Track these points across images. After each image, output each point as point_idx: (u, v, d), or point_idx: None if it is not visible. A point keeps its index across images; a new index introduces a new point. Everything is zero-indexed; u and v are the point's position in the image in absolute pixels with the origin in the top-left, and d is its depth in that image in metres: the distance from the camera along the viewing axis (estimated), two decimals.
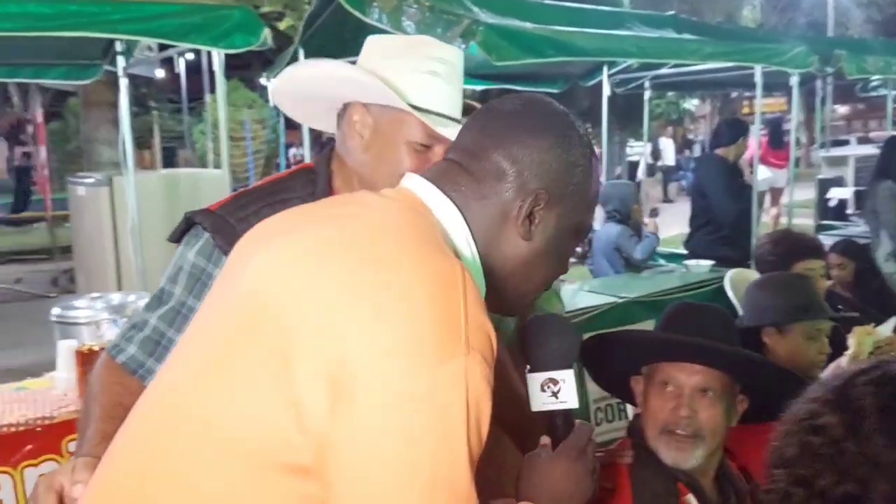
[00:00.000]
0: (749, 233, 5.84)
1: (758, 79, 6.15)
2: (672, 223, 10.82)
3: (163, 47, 6.11)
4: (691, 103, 23.62)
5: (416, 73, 1.50)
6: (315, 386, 0.87)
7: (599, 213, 5.77)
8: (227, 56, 4.26)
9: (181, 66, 16.10)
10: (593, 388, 2.54)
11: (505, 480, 1.32)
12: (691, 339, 1.86)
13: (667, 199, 18.33)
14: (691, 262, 5.44)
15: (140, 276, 5.15)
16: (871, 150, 10.80)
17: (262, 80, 19.63)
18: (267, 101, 19.39)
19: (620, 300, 4.65)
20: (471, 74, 6.26)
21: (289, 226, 1.11)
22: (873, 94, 9.91)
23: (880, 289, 4.77)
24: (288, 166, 16.13)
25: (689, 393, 1.83)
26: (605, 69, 6.81)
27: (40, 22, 3.56)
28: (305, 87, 1.60)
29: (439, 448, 0.88)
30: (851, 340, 2.73)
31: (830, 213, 9.46)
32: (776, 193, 11.63)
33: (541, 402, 1.27)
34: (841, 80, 8.32)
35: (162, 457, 0.96)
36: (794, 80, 6.47)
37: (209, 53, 15.61)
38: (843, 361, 2.79)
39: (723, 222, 5.53)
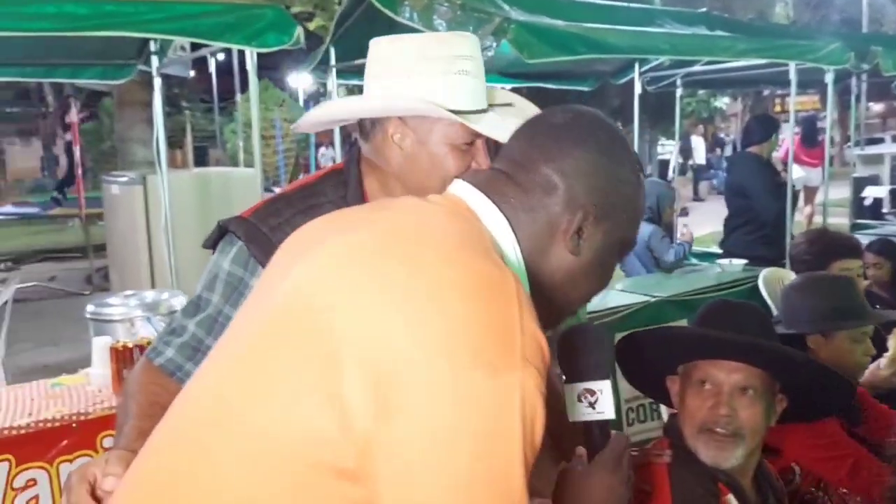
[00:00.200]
0: (784, 232, 5.76)
1: (792, 76, 6.07)
2: (703, 222, 10.74)
3: (195, 47, 6.12)
4: (722, 101, 23.39)
5: (449, 77, 1.49)
6: (363, 392, 0.86)
7: None
8: (258, 56, 4.27)
9: (213, 67, 16.26)
10: (625, 388, 2.51)
11: (542, 488, 1.31)
12: (732, 336, 1.84)
13: (697, 198, 18.19)
14: (724, 261, 5.38)
15: (173, 273, 5.18)
16: None
17: (290, 82, 19.85)
18: (296, 99, 19.56)
19: (653, 299, 4.61)
20: (501, 73, 6.26)
21: (334, 228, 1.10)
22: None
23: None
24: (317, 165, 16.22)
25: (729, 391, 1.80)
26: (636, 67, 6.75)
27: (77, 22, 3.58)
28: (336, 118, 1.62)
29: (494, 462, 0.86)
30: (891, 342, 2.69)
31: (866, 211, 9.33)
32: (810, 192, 11.49)
33: (578, 412, 1.27)
34: (876, 78, 8.19)
35: (199, 456, 0.95)
36: (829, 77, 6.38)
37: (240, 54, 15.75)
38: (882, 363, 2.75)
39: (765, 221, 5.47)
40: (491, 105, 1.58)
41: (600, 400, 1.26)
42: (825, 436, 2.29)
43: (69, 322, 8.00)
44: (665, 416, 2.66)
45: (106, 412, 3.00)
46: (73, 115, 11.40)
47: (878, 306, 3.52)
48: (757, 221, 5.48)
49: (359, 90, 1.64)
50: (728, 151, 21.75)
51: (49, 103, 19.26)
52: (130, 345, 3.19)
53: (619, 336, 1.95)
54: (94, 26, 3.63)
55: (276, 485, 0.89)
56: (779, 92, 24.91)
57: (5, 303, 5.36)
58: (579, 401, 1.27)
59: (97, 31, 3.71)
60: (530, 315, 0.92)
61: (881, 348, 2.61)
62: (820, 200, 10.57)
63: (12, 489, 2.82)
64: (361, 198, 1.60)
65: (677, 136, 9.13)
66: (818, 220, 9.74)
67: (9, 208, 17.25)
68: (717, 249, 6.22)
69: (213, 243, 1.65)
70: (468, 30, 4.17)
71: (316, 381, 0.88)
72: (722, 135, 25.19)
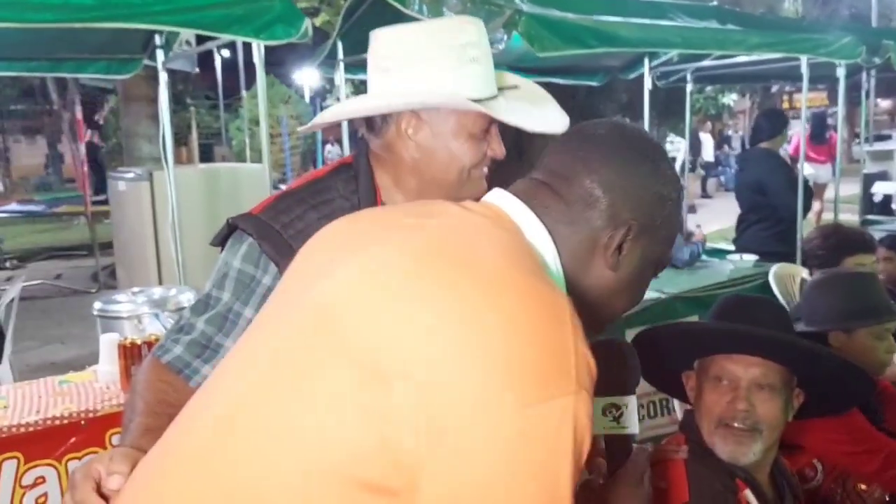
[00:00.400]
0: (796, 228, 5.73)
1: (804, 70, 6.02)
2: (712, 219, 10.73)
3: (200, 41, 6.11)
4: (730, 98, 23.34)
5: (461, 65, 1.48)
6: (411, 411, 0.83)
7: None
8: (263, 52, 4.25)
9: (218, 63, 16.28)
10: None
11: None
12: (750, 330, 1.80)
13: (705, 195, 18.15)
14: (735, 257, 5.35)
15: (180, 270, 5.16)
16: None
17: (296, 78, 19.88)
18: (302, 96, 19.57)
19: (663, 296, 4.57)
20: (511, 67, 6.22)
21: (368, 234, 1.06)
22: None
23: None
24: (324, 162, 16.23)
25: (746, 386, 1.78)
26: (646, 61, 6.71)
27: (82, 13, 3.54)
28: (350, 116, 1.61)
29: (543, 488, 0.84)
30: None
31: (875, 208, 9.29)
32: (818, 189, 11.44)
33: (601, 425, 1.27)
34: (885, 73, 8.15)
35: (224, 462, 0.91)
36: (840, 72, 6.34)
37: (245, 50, 15.76)
38: None
39: (782, 217, 5.46)
40: (499, 89, 1.56)
41: (625, 415, 1.27)
42: (854, 429, 2.26)
43: (76, 320, 8.04)
44: (678, 412, 2.63)
45: (114, 409, 2.99)
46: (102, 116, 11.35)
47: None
48: (774, 217, 5.45)
49: (366, 85, 1.61)
50: (736, 148, 21.71)
51: (53, 101, 19.23)
52: (139, 341, 3.18)
53: (630, 332, 1.92)
54: (100, 17, 3.59)
55: (304, 496, 0.86)
56: (787, 88, 24.93)
57: (12, 300, 5.35)
58: (604, 414, 1.27)
59: (103, 22, 3.67)
60: (582, 336, 0.89)
61: None
62: (829, 197, 10.56)
63: (21, 487, 2.81)
64: (373, 193, 1.58)
65: (687, 133, 9.07)
66: (827, 216, 9.71)
67: (14, 206, 17.26)
68: (726, 246, 6.18)
69: (221, 241, 1.63)
70: None
71: (358, 399, 0.85)
72: (730, 132, 25.14)
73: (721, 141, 22.99)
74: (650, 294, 4.52)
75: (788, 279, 4.95)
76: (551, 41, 4.26)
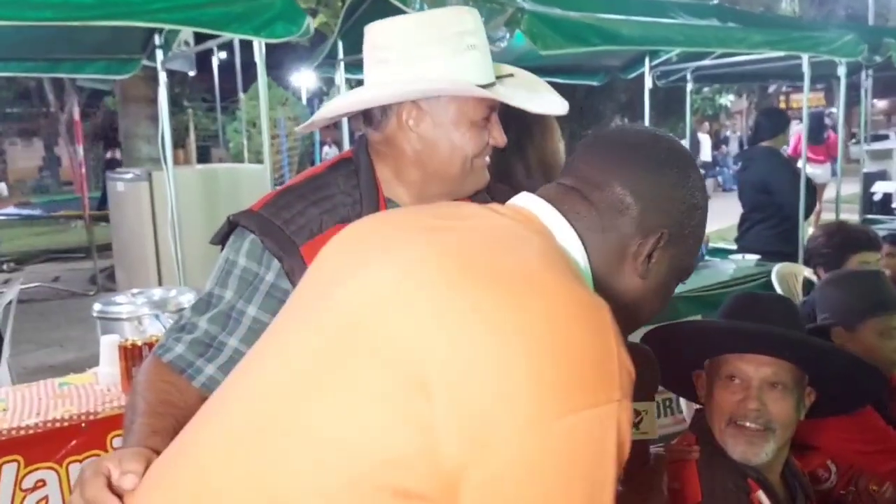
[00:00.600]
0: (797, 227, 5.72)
1: (805, 69, 6.01)
2: (711, 219, 10.59)
3: (199, 41, 6.08)
4: (727, 99, 23.39)
5: (460, 53, 1.47)
6: (452, 418, 0.80)
7: None
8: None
9: (215, 65, 16.23)
10: None
11: None
12: (763, 329, 1.78)
13: None
14: (737, 257, 5.33)
15: (180, 270, 5.14)
16: None
17: (293, 80, 19.86)
18: (299, 98, 19.55)
19: None
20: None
21: (397, 234, 1.04)
22: None
23: None
24: None
25: (758, 385, 1.76)
26: (647, 61, 6.69)
27: (81, 11, 3.51)
28: (348, 110, 1.58)
29: (587, 494, 0.83)
30: None
31: (875, 207, 9.29)
32: (818, 189, 11.44)
33: None
34: (881, 73, 8.16)
35: (248, 468, 0.89)
36: (841, 71, 6.33)
37: (243, 52, 15.73)
38: None
39: (787, 216, 5.44)
40: (496, 77, 1.56)
41: (644, 420, 1.28)
42: (870, 429, 2.23)
43: (74, 323, 8.01)
44: (685, 412, 2.60)
45: (115, 411, 2.96)
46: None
47: None
48: (778, 216, 5.42)
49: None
50: (733, 148, 21.73)
51: (50, 103, 19.26)
52: (139, 343, 3.16)
53: (637, 332, 1.89)
54: (100, 16, 3.56)
55: (335, 502, 0.84)
56: (784, 89, 24.98)
57: (9, 303, 5.32)
58: None
59: (102, 20, 3.63)
60: (623, 344, 0.87)
61: None
62: (827, 197, 10.55)
63: (21, 490, 2.78)
64: (374, 187, 1.56)
65: (688, 132, 9.05)
66: (826, 216, 9.71)
67: (11, 209, 17.22)
68: (726, 245, 6.16)
69: (221, 239, 1.60)
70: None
71: (395, 404, 0.83)
72: (728, 132, 25.18)
73: (718, 141, 23.02)
74: None
75: (791, 278, 4.93)
76: (554, 39, 4.26)
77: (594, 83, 7.78)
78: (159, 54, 5.20)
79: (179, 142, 13.80)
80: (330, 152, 17.13)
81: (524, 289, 0.86)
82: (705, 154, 19.46)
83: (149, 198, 6.50)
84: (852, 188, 9.73)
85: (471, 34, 1.48)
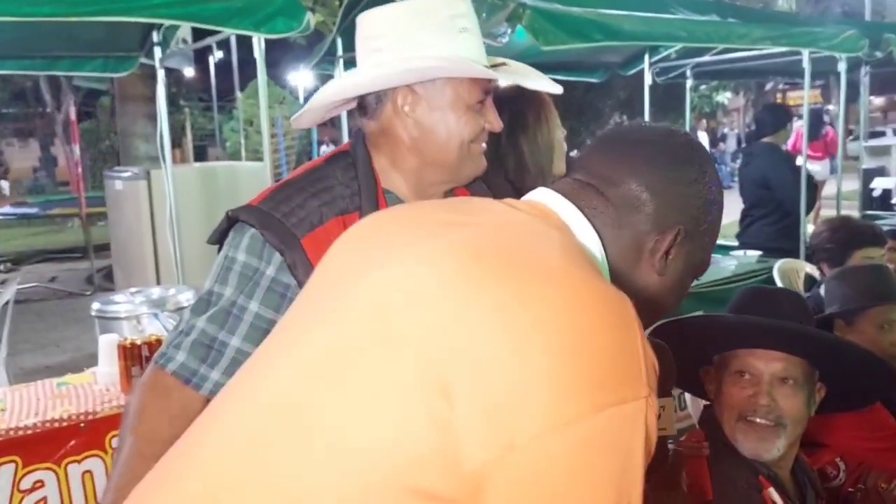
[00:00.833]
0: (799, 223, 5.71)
1: (805, 64, 6.01)
2: None
3: (197, 38, 6.05)
4: (724, 96, 23.44)
5: (453, 36, 1.47)
6: (476, 417, 0.78)
7: None
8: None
9: (212, 64, 16.25)
10: None
11: None
12: (775, 324, 1.76)
13: None
14: (738, 253, 5.33)
15: (179, 269, 5.11)
16: None
17: (290, 79, 19.85)
18: (297, 97, 19.53)
19: None
20: None
21: (411, 229, 1.01)
22: None
23: None
24: None
25: (768, 381, 1.73)
26: (646, 57, 6.67)
27: (79, 7, 3.48)
28: (345, 96, 1.56)
29: (616, 493, 0.80)
30: None
31: (875, 203, 9.27)
32: (818, 186, 11.46)
33: None
34: (879, 69, 8.16)
35: (260, 471, 0.86)
36: (841, 66, 6.33)
37: (240, 51, 15.71)
38: None
39: (789, 211, 5.45)
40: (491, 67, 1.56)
41: (662, 416, 1.27)
42: (879, 426, 2.22)
43: (71, 323, 8.00)
44: (690, 409, 2.58)
45: (114, 411, 2.94)
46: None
47: None
48: (779, 212, 5.44)
49: None
50: (731, 145, 21.77)
51: (46, 102, 19.21)
52: (138, 342, 3.13)
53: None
54: (98, 11, 3.53)
55: (353, 502, 0.81)
56: (781, 86, 25.01)
57: (6, 303, 5.30)
58: None
59: (101, 16, 3.60)
60: (646, 339, 0.85)
61: None
62: (825, 193, 10.55)
63: (19, 491, 2.76)
64: (372, 178, 1.54)
65: (687, 129, 9.02)
66: (825, 213, 9.71)
67: (7, 209, 17.19)
68: (726, 241, 6.16)
69: (220, 237, 1.57)
70: (481, 16, 4.10)
71: (414, 404, 0.80)
72: (726, 129, 25.23)
73: (716, 139, 23.07)
74: None
75: (793, 274, 4.93)
76: (556, 35, 4.24)
77: (594, 80, 7.78)
78: (157, 52, 5.16)
79: (176, 141, 13.82)
80: (327, 151, 17.09)
81: (547, 284, 0.84)
82: None
83: (147, 196, 6.47)
84: (851, 185, 9.72)
85: (462, 17, 1.48)
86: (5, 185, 23.91)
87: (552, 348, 0.79)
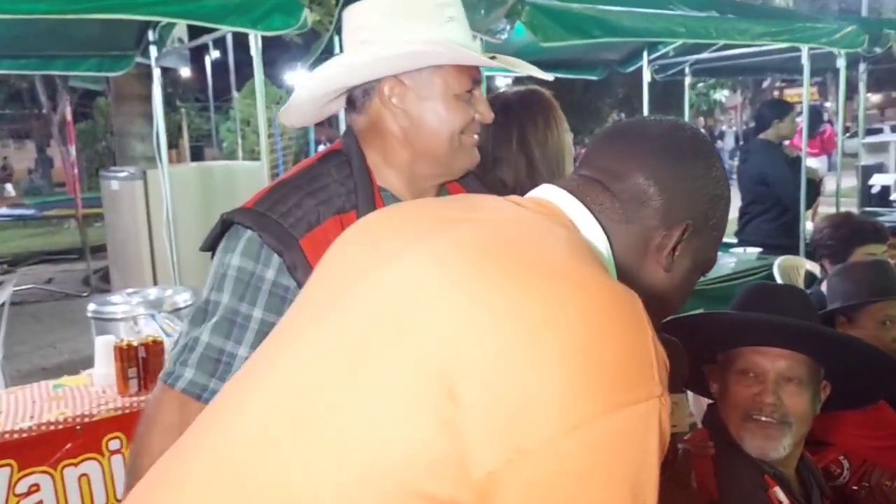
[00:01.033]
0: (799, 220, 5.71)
1: (805, 60, 6.00)
2: None
3: (193, 37, 6.03)
4: (721, 94, 23.47)
5: (440, 25, 1.45)
6: (484, 420, 0.75)
7: None
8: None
9: (208, 64, 16.23)
10: None
11: None
12: (781, 320, 1.73)
13: None
14: (738, 250, 5.31)
15: (175, 270, 5.09)
16: None
17: (287, 79, 19.86)
18: None
19: None
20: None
21: (414, 227, 0.98)
22: None
23: None
24: None
25: (774, 379, 1.71)
26: (645, 54, 6.65)
27: (76, 4, 3.45)
28: (327, 86, 1.52)
29: (630, 495, 0.78)
30: None
31: (874, 199, 9.27)
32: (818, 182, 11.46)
33: None
34: (876, 66, 8.16)
35: (262, 474, 0.83)
36: (840, 63, 6.31)
37: (236, 51, 15.70)
38: None
39: (787, 208, 5.44)
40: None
41: (674, 412, 1.24)
42: (884, 424, 2.20)
43: (67, 324, 7.98)
44: (693, 407, 2.56)
45: (111, 413, 2.94)
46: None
47: None
48: (778, 208, 5.42)
49: None
50: (729, 143, 21.81)
51: (42, 103, 19.20)
52: (135, 343, 3.13)
53: None
54: (95, 8, 3.50)
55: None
56: (778, 84, 25.04)
57: (2, 305, 5.28)
58: None
59: (97, 13, 3.59)
60: (655, 335, 0.83)
61: None
62: (825, 190, 10.55)
63: (15, 495, 2.75)
64: (367, 175, 1.52)
65: None
66: (823, 210, 9.71)
67: (4, 210, 17.18)
68: (725, 238, 6.14)
69: (214, 242, 1.53)
70: (480, 13, 4.09)
71: (420, 406, 0.78)
72: (724, 127, 25.27)
73: (713, 136, 23.11)
74: None
75: (793, 272, 4.92)
76: (555, 31, 4.23)
77: (592, 77, 7.76)
78: (153, 50, 5.16)
79: (172, 142, 13.81)
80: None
81: (555, 282, 0.82)
82: None
83: (143, 196, 6.44)
84: (848, 182, 9.73)
85: (449, 6, 1.47)
86: (9, 187, 23.93)
87: (564, 348, 0.76)
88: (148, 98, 5.51)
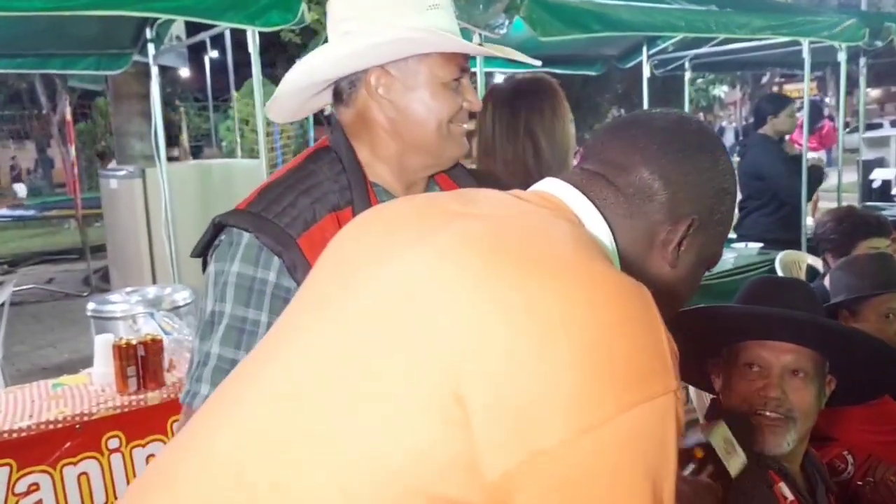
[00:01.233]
0: (800, 214, 5.68)
1: (805, 54, 5.98)
2: None
3: (191, 34, 6.00)
4: (721, 90, 23.45)
5: (423, 13, 1.44)
6: (495, 421, 0.74)
7: None
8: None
9: (207, 64, 16.23)
10: None
11: None
12: (788, 313, 1.70)
13: None
14: (740, 245, 5.30)
15: (175, 268, 5.07)
16: None
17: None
18: None
19: None
20: (507, 58, 6.15)
21: (416, 222, 0.96)
22: None
23: None
24: None
25: (779, 373, 1.69)
26: (644, 49, 6.63)
27: (72, 0, 3.43)
28: (312, 77, 1.50)
29: (651, 492, 0.77)
30: None
31: (875, 194, 9.25)
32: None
33: None
34: (877, 60, 8.13)
35: (262, 471, 0.82)
36: (841, 56, 6.29)
37: (234, 50, 15.67)
38: None
39: (785, 202, 5.43)
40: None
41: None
42: (889, 419, 2.19)
43: (67, 324, 7.97)
44: (695, 402, 2.54)
45: (110, 412, 2.93)
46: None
47: None
48: (775, 202, 5.41)
49: None
50: (729, 139, 21.80)
51: (42, 104, 19.18)
52: (134, 342, 3.11)
53: None
54: (92, 5, 3.49)
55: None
56: (777, 79, 25.02)
57: (2, 305, 5.27)
58: None
59: (94, 10, 3.57)
60: (666, 328, 0.81)
61: None
62: (826, 185, 10.53)
63: (14, 495, 2.74)
64: (360, 171, 1.50)
65: None
66: (823, 205, 9.71)
67: (4, 211, 17.18)
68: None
69: (205, 246, 1.50)
70: (478, 8, 4.08)
71: (434, 406, 0.76)
72: (723, 123, 25.27)
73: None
74: None
75: (794, 266, 4.90)
76: (554, 25, 4.21)
77: (591, 73, 7.74)
78: (151, 48, 5.14)
79: (172, 142, 13.80)
80: None
81: (565, 277, 0.80)
82: None
83: (142, 194, 6.43)
84: (849, 177, 9.70)
85: None
86: (21, 187, 23.98)
87: (575, 347, 0.75)
88: (146, 97, 5.49)
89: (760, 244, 5.19)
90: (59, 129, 16.13)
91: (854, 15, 6.42)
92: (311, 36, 7.22)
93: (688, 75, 7.85)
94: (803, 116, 6.65)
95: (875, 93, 28.80)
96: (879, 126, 19.63)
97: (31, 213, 16.67)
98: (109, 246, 7.69)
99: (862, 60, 7.70)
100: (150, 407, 3.00)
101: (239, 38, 4.72)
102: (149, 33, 5.08)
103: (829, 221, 3.86)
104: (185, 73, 18.27)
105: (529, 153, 2.18)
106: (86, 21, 4.26)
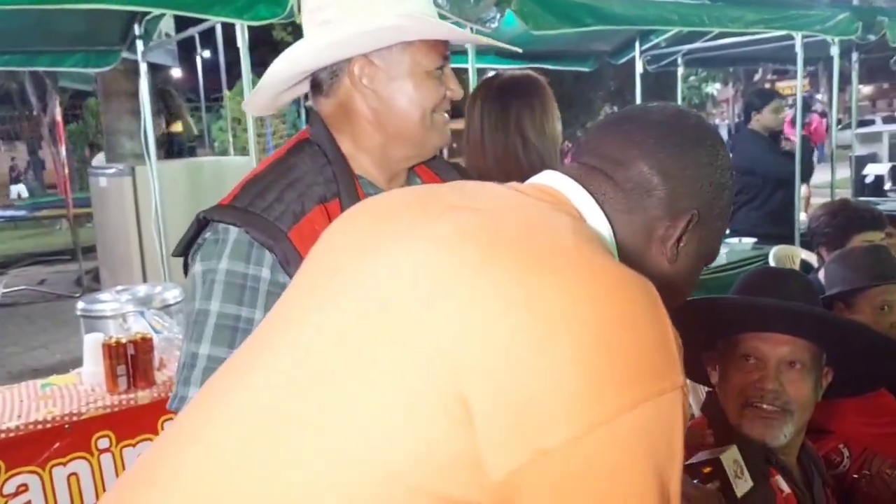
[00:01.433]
0: (793, 208, 5.71)
1: (798, 48, 5.99)
2: None
3: (179, 30, 5.97)
4: (713, 87, 23.51)
5: (401, 2, 1.41)
6: (498, 419, 0.72)
7: None
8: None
9: (199, 64, 16.19)
10: None
11: None
12: (786, 304, 1.68)
13: None
14: (733, 240, 5.29)
15: (165, 266, 5.04)
16: None
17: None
18: None
19: None
20: (499, 54, 6.14)
21: (412, 215, 0.94)
22: None
23: None
24: None
25: (775, 365, 1.67)
26: (637, 45, 6.61)
27: None
28: (293, 69, 1.48)
29: (658, 489, 0.76)
30: None
31: (867, 189, 9.27)
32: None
33: None
34: (869, 55, 8.15)
35: (256, 469, 0.79)
36: (834, 51, 6.29)
37: (226, 49, 15.63)
38: None
39: (773, 196, 5.43)
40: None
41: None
42: (885, 412, 2.17)
43: (59, 325, 7.93)
44: (690, 395, 2.53)
45: (100, 412, 2.91)
46: None
47: None
48: (763, 196, 5.42)
49: None
50: (722, 136, 21.87)
51: (33, 105, 19.12)
52: (124, 340, 3.08)
53: None
54: None
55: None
56: (769, 77, 25.09)
57: None
58: None
59: (81, 3, 3.53)
60: (670, 321, 0.80)
61: None
62: (816, 181, 10.55)
63: (2, 496, 2.71)
64: (343, 161, 1.47)
65: None
66: (815, 201, 9.73)
67: None
68: None
69: (188, 243, 1.45)
70: (469, 2, 4.05)
71: (434, 404, 0.74)
72: (716, 120, 25.36)
73: None
74: None
75: (788, 261, 4.90)
76: (545, 19, 4.18)
77: (584, 69, 7.73)
78: (139, 45, 5.12)
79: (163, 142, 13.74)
80: None
81: (568, 272, 0.78)
82: None
83: (132, 193, 6.40)
84: (842, 172, 9.73)
85: None
86: (22, 188, 23.95)
87: (577, 343, 0.73)
88: (136, 95, 5.44)
89: (754, 239, 5.19)
90: (50, 130, 16.07)
91: (847, 9, 6.43)
92: (301, 35, 7.17)
93: (680, 71, 7.85)
94: (794, 111, 6.67)
95: (867, 89, 28.93)
96: (872, 122, 19.68)
97: (21, 213, 16.61)
98: (99, 244, 7.66)
99: (854, 56, 7.71)
100: (141, 406, 2.96)
101: (230, 37, 4.69)
102: (137, 29, 5.05)
103: (823, 215, 3.84)
104: (176, 73, 18.22)
105: (520, 149, 2.17)
106: (73, 17, 4.22)
